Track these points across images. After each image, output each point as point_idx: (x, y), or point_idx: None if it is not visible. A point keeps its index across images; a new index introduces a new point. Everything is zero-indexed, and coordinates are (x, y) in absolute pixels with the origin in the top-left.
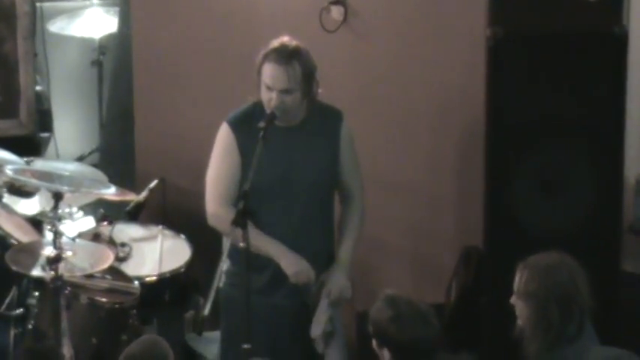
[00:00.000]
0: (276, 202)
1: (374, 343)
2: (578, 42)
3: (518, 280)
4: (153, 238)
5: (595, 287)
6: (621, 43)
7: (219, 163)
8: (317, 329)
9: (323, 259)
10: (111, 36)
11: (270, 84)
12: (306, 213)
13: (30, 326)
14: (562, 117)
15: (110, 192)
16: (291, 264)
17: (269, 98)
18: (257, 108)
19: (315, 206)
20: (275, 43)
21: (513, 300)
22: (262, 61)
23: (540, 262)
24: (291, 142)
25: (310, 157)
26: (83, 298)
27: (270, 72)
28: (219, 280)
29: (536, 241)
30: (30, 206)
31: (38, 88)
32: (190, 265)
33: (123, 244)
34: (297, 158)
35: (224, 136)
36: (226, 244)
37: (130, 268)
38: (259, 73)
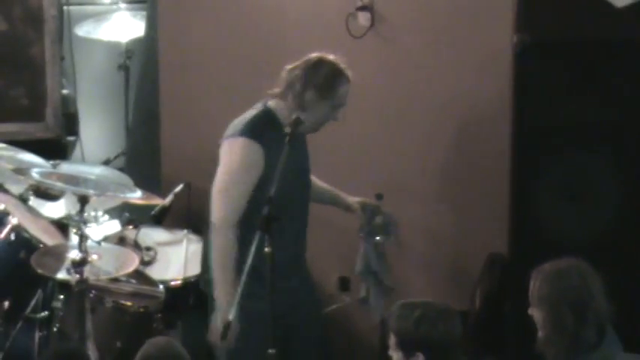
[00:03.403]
0: (289, 208)
1: (399, 356)
2: (605, 49)
3: (532, 287)
4: (178, 242)
5: (620, 294)
6: None
7: (245, 178)
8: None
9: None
10: (138, 40)
11: (344, 102)
12: (305, 217)
13: (55, 329)
14: (588, 124)
15: (136, 196)
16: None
17: (333, 115)
18: (270, 114)
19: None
20: (339, 60)
21: (530, 310)
22: (339, 80)
23: (552, 267)
24: (295, 149)
25: (306, 163)
26: (108, 302)
27: (345, 91)
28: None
29: (560, 247)
30: (56, 209)
31: (65, 91)
32: None
33: (148, 248)
34: (301, 165)
35: (251, 151)
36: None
37: (154, 272)
38: (333, 91)
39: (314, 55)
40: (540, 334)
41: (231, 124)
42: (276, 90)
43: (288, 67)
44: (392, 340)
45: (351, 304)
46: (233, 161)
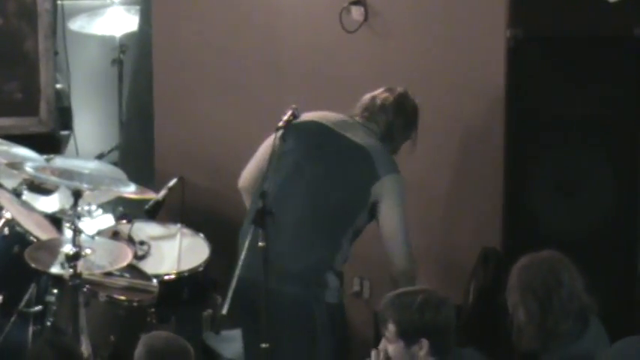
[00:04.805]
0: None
1: (399, 346)
2: (598, 44)
3: (508, 281)
4: (171, 236)
5: (612, 289)
6: None
7: None
8: None
9: None
10: (131, 35)
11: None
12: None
13: (48, 323)
14: (581, 118)
15: (129, 190)
16: None
17: (398, 148)
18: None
19: None
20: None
21: (509, 305)
22: (418, 115)
23: (524, 259)
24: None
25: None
26: (102, 296)
27: None
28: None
29: (554, 242)
30: (49, 204)
31: (58, 86)
32: (209, 263)
33: (142, 243)
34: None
35: None
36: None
37: (148, 267)
38: (416, 123)
39: (394, 87)
40: (514, 324)
41: (378, 157)
42: (363, 113)
43: (369, 95)
44: (390, 331)
45: (345, 298)
46: (404, 200)
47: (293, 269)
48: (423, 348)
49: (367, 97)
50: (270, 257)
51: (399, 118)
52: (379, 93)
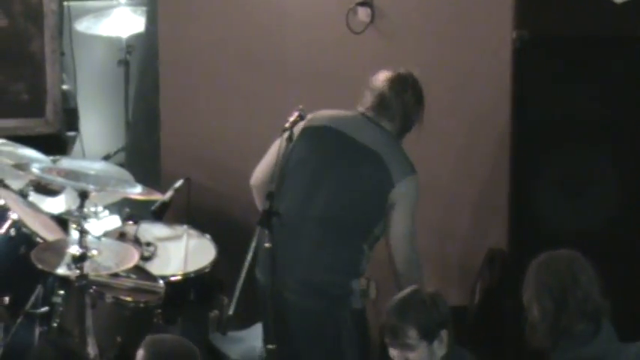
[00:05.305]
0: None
1: (421, 352)
2: (604, 44)
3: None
4: (178, 237)
5: (619, 289)
6: None
7: None
8: None
9: None
10: (138, 35)
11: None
12: None
13: (55, 324)
14: (587, 119)
15: (136, 191)
16: None
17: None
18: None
19: None
20: None
21: (523, 299)
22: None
23: (544, 256)
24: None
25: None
26: (108, 297)
27: None
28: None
29: (560, 243)
30: (56, 205)
31: (65, 87)
32: (215, 264)
33: (148, 244)
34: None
35: None
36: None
37: (154, 268)
38: (422, 117)
39: (404, 73)
40: (528, 319)
41: (392, 161)
42: (377, 108)
43: (381, 83)
44: (412, 337)
45: None
46: (415, 204)
47: (317, 279)
48: (443, 339)
49: (382, 88)
50: (291, 267)
51: (414, 107)
52: (392, 84)
